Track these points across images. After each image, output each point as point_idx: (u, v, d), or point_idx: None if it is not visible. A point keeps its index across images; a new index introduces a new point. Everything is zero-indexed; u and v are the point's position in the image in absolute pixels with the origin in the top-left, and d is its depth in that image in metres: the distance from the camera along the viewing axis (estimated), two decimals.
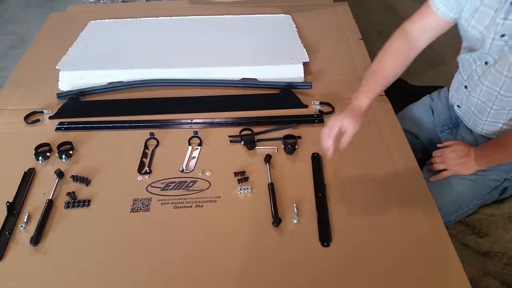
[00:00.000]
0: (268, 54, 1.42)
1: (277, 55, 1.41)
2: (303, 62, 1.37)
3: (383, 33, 2.51)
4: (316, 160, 1.06)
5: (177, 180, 1.02)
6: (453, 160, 1.14)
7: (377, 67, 1.07)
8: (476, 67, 1.09)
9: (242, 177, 1.02)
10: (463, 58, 1.15)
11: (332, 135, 0.94)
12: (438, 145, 1.20)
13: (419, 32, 1.08)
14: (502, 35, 0.98)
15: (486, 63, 1.06)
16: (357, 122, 0.96)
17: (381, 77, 1.05)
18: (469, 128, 1.19)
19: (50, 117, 1.22)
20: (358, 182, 1.01)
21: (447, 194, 1.17)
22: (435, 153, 1.19)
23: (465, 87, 1.14)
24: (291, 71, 1.35)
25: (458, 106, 1.20)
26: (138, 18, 1.66)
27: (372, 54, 1.46)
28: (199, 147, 1.11)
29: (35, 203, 0.97)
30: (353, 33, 1.56)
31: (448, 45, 2.26)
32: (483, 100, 1.09)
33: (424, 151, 1.36)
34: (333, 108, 1.22)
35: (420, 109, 1.38)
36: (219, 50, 1.45)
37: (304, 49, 1.43)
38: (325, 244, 0.87)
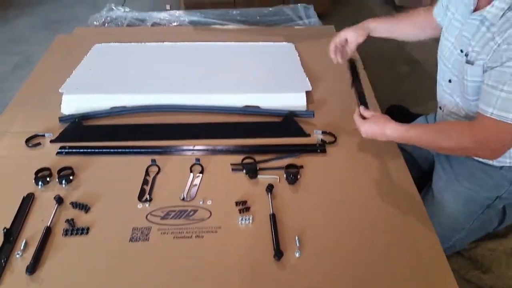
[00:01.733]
0: (271, 82, 1.43)
1: (280, 83, 1.42)
2: (306, 91, 1.37)
3: (383, 60, 2.54)
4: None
5: (178, 208, 1.01)
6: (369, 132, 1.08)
7: (394, 19, 1.31)
8: (443, 87, 1.15)
9: (243, 206, 1.01)
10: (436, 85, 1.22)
11: (336, 46, 1.28)
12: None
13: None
14: (462, 51, 1.03)
15: (449, 81, 1.11)
16: (359, 35, 1.25)
17: (395, 21, 1.30)
18: None
19: (52, 141, 1.21)
20: (357, 208, 1.01)
21: (441, 217, 1.16)
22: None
23: (440, 108, 1.19)
24: (293, 100, 1.36)
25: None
26: (142, 43, 1.68)
27: (373, 81, 1.49)
28: (201, 175, 1.10)
29: (33, 230, 0.95)
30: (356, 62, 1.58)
31: None
32: (454, 112, 1.14)
33: (417, 168, 1.36)
34: (335, 138, 1.22)
35: None
36: (222, 76, 1.46)
37: (307, 78, 1.44)
38: None
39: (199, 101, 1.35)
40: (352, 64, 1.36)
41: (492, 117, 0.90)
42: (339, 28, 1.88)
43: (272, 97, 1.36)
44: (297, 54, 1.61)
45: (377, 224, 0.98)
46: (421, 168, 1.34)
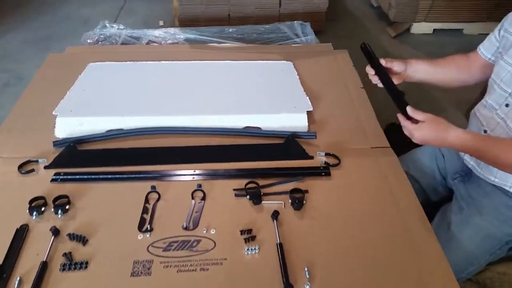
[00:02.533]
0: (271, 102, 1.40)
1: (280, 103, 1.40)
2: (307, 111, 1.35)
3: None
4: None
5: (180, 239, 0.97)
6: (425, 138, 1.00)
7: (436, 61, 1.24)
8: (497, 111, 1.11)
9: (249, 235, 0.97)
10: (479, 107, 1.16)
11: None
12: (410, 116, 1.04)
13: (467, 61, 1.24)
14: None
15: (506, 105, 1.07)
16: (403, 75, 1.19)
17: (439, 61, 1.24)
18: (481, 178, 1.16)
19: (46, 167, 1.17)
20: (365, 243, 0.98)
21: (456, 250, 1.14)
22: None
23: (484, 131, 1.14)
24: (295, 120, 1.33)
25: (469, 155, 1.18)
26: (138, 62, 1.64)
27: (373, 102, 1.47)
28: (203, 201, 1.07)
29: (27, 265, 0.90)
30: (354, 82, 1.56)
31: (447, 91, 2.31)
32: (502, 137, 1.07)
33: (424, 196, 1.33)
34: (339, 160, 1.19)
35: (424, 154, 1.37)
36: (221, 97, 1.43)
37: (307, 98, 1.42)
38: None
39: (198, 122, 1.31)
40: (367, 51, 1.19)
41: None
42: (336, 45, 1.89)
43: (273, 118, 1.33)
44: (296, 72, 1.59)
45: (386, 251, 0.95)
46: (429, 198, 1.32)
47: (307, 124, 1.32)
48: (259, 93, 1.46)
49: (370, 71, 1.18)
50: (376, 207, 1.06)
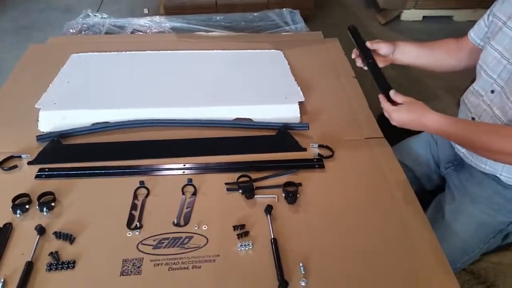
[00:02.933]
0: (262, 92, 1.37)
1: (271, 94, 1.36)
2: (299, 102, 1.32)
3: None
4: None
5: (171, 236, 0.94)
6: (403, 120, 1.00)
7: (426, 44, 1.22)
8: (483, 97, 1.10)
9: (242, 231, 0.94)
10: (467, 93, 1.16)
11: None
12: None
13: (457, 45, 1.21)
14: None
15: (492, 91, 1.06)
16: (391, 58, 1.18)
17: (429, 44, 1.22)
18: (473, 166, 1.16)
19: (29, 163, 1.12)
20: (360, 234, 0.96)
21: (451, 240, 1.13)
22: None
23: (472, 118, 1.13)
24: (286, 111, 1.30)
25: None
26: (123, 52, 1.59)
27: (365, 91, 1.45)
28: (194, 197, 1.04)
29: (12, 266, 0.86)
30: (346, 71, 1.54)
31: (441, 79, 2.30)
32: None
33: (418, 185, 1.33)
34: (332, 151, 1.17)
35: (418, 143, 1.35)
36: (210, 87, 1.39)
37: (299, 88, 1.39)
38: None
39: (187, 114, 1.28)
40: (354, 33, 1.20)
41: None
42: (326, 33, 1.86)
43: (264, 109, 1.30)
44: (287, 62, 1.56)
45: (382, 243, 0.94)
46: (424, 187, 1.31)
47: (299, 115, 1.30)
48: (249, 83, 1.42)
49: (355, 52, 1.19)
50: (371, 199, 1.04)
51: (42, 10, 3.04)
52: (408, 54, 1.21)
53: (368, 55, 1.16)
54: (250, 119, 1.28)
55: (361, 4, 3.23)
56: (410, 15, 2.99)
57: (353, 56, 1.22)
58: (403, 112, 0.99)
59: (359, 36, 1.19)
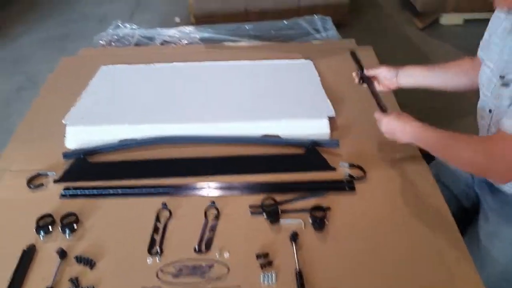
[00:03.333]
0: (290, 106, 1.32)
1: (299, 108, 1.31)
2: (329, 117, 1.26)
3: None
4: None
5: (192, 263, 0.90)
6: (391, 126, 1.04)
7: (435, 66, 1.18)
8: (483, 118, 1.04)
9: (265, 260, 0.90)
10: (477, 114, 1.10)
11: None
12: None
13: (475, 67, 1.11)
14: (502, 76, 0.92)
15: (490, 111, 0.99)
16: (393, 82, 1.16)
17: (441, 65, 1.17)
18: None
19: (55, 181, 1.12)
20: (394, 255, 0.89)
21: (490, 267, 1.04)
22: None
23: None
24: (315, 127, 1.24)
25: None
26: (151, 64, 1.58)
27: (401, 105, 1.36)
28: (216, 220, 1.00)
29: None
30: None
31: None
32: None
33: (456, 203, 1.23)
34: (364, 172, 1.10)
35: None
36: (238, 101, 1.35)
37: (329, 101, 1.33)
38: None
39: (214, 130, 1.24)
40: (355, 57, 1.25)
41: None
42: (359, 40, 1.78)
43: (292, 124, 1.25)
44: (317, 72, 1.49)
45: (417, 274, 0.86)
46: (462, 204, 1.21)
47: (329, 131, 1.23)
48: (277, 96, 1.37)
49: (355, 77, 1.22)
50: (406, 226, 0.97)
51: (76, 20, 3.11)
52: (413, 76, 1.18)
53: (368, 82, 1.19)
54: (277, 136, 1.23)
55: (398, 7, 3.10)
56: (450, 18, 2.82)
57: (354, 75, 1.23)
58: (390, 119, 1.03)
59: (359, 62, 1.24)
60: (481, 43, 1.10)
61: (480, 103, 1.06)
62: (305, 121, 1.26)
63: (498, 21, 1.01)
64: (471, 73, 1.13)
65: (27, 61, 2.69)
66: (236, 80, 1.46)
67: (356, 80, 1.22)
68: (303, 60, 1.58)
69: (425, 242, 0.93)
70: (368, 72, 1.20)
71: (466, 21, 2.80)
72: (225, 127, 1.25)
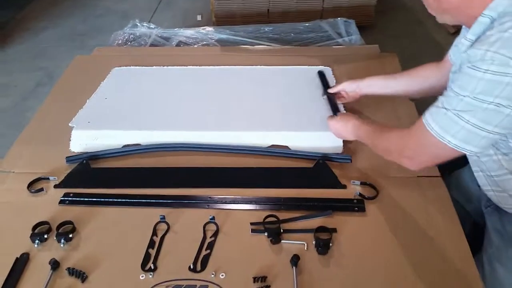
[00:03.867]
0: (302, 116, 1.25)
1: (312, 118, 1.24)
2: None
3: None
4: None
5: (185, 283, 0.86)
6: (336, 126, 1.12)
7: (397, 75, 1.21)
8: None
9: (262, 284, 0.84)
10: None
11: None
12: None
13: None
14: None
15: None
16: (353, 83, 1.23)
17: (404, 72, 1.20)
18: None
19: (56, 186, 1.10)
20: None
21: None
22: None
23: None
24: (327, 140, 1.17)
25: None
26: (163, 67, 1.54)
27: (420, 108, 1.27)
28: (215, 238, 0.95)
29: None
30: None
31: None
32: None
33: (470, 222, 1.14)
34: (377, 191, 1.03)
35: (468, 175, 1.15)
36: (247, 109, 1.30)
37: (345, 112, 1.25)
38: None
39: (221, 139, 1.19)
40: (321, 75, 1.41)
41: (429, 130, 0.80)
42: (384, 44, 1.69)
43: (302, 135, 1.19)
44: (335, 80, 1.42)
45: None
46: (478, 223, 1.12)
47: (341, 144, 1.16)
48: (289, 105, 1.31)
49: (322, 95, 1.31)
50: (418, 253, 0.89)
51: (99, 16, 3.11)
52: (373, 86, 1.22)
53: (331, 99, 1.28)
54: (286, 147, 1.17)
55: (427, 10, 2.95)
56: None
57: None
58: (336, 120, 1.12)
59: (325, 81, 1.38)
60: (453, 48, 1.05)
61: None
62: (317, 133, 1.19)
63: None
64: (433, 78, 1.13)
65: (47, 56, 2.71)
66: (248, 86, 1.41)
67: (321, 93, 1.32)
68: (321, 67, 1.50)
69: (438, 270, 0.86)
70: (332, 90, 1.28)
71: None
72: (232, 136, 1.19)
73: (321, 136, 1.18)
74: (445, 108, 0.78)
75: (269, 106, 1.30)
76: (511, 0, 0.74)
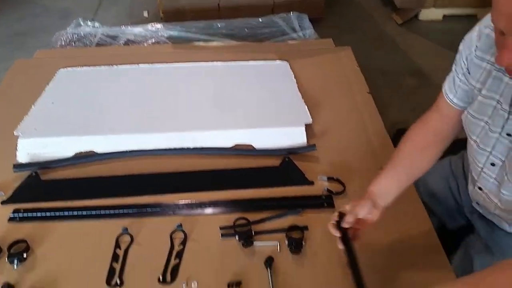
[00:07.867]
0: (264, 112, 1.23)
1: (274, 114, 1.22)
2: (305, 124, 1.18)
3: (387, 73, 2.31)
4: None
5: None
6: None
7: (402, 156, 0.92)
8: (483, 170, 0.88)
9: None
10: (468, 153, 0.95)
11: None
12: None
13: (440, 121, 0.93)
14: (508, 134, 0.79)
15: (492, 164, 0.85)
16: (373, 214, 0.83)
17: (399, 167, 0.90)
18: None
19: (3, 202, 1.00)
20: None
21: None
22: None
23: (479, 188, 0.93)
24: (291, 136, 1.16)
25: (477, 203, 0.99)
26: (113, 66, 1.45)
27: (380, 106, 1.30)
28: (183, 246, 0.90)
29: None
30: (360, 85, 1.38)
31: None
32: (503, 209, 0.88)
33: (438, 223, 1.14)
34: (344, 187, 1.03)
35: (433, 179, 1.13)
36: (207, 107, 1.26)
37: (306, 107, 1.24)
38: None
39: (181, 141, 1.14)
40: (344, 233, 0.83)
41: None
42: (336, 36, 1.70)
43: (266, 133, 1.17)
44: (293, 74, 1.41)
45: None
46: (445, 225, 1.12)
47: (305, 140, 1.15)
48: (251, 101, 1.28)
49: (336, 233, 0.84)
50: (390, 247, 0.90)
51: (38, 15, 2.89)
52: (390, 193, 0.88)
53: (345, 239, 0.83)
54: (251, 146, 1.15)
55: (376, 2, 3.03)
56: (429, 14, 2.77)
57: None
58: None
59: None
60: (458, 93, 0.89)
61: (473, 153, 0.89)
62: (280, 129, 1.17)
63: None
64: (433, 146, 0.93)
65: None
66: (205, 84, 1.36)
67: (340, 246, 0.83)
68: (278, 62, 1.49)
69: (410, 264, 0.87)
70: (345, 224, 0.82)
71: (445, 16, 2.77)
72: (193, 137, 1.15)
73: (285, 132, 1.17)
74: None
75: (229, 103, 1.27)
76: None
